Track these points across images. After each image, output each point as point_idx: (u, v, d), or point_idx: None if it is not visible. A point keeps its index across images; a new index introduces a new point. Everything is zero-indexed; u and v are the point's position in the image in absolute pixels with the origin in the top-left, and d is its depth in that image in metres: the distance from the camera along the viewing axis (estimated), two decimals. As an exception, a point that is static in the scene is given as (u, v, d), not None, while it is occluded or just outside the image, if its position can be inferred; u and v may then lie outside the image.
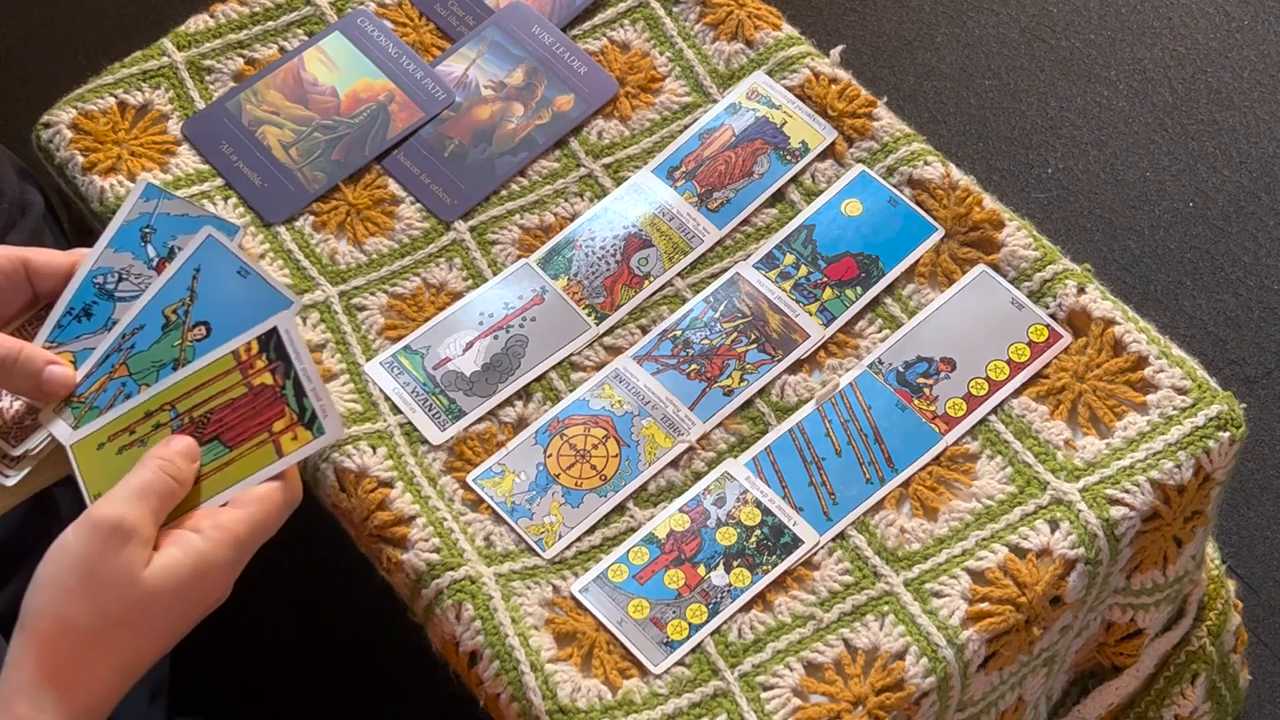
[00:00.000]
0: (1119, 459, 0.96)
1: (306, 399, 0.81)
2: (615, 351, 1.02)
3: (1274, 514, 1.49)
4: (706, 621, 0.91)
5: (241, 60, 1.15)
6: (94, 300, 0.86)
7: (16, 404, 0.87)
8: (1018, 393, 0.99)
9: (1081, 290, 1.01)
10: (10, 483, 0.85)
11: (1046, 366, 0.99)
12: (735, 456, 0.98)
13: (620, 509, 0.96)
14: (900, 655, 0.90)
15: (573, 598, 0.93)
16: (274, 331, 0.81)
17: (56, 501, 0.96)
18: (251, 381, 0.80)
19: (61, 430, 0.84)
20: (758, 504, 0.95)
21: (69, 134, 1.10)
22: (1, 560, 0.94)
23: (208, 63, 1.14)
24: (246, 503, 0.79)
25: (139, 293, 0.86)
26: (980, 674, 0.92)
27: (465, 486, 0.97)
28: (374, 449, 0.97)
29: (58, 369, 0.84)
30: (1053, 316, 1.01)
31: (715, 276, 1.05)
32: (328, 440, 0.81)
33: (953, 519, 0.95)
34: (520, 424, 0.99)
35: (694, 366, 1.01)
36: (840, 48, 1.14)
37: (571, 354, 1.02)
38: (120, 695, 0.75)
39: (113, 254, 0.88)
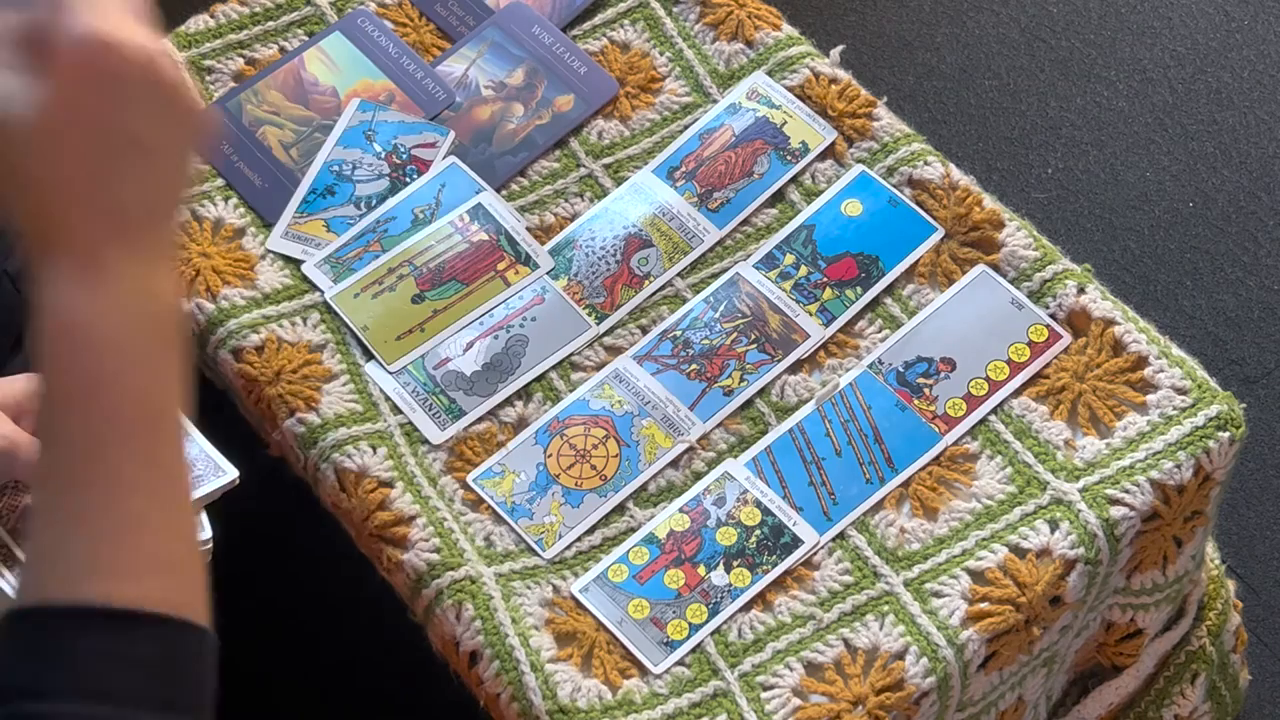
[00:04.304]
0: (1119, 459, 0.95)
1: (520, 245, 1.02)
2: (615, 351, 1.02)
3: (1274, 514, 1.48)
4: (706, 621, 0.91)
5: (241, 60, 1.14)
6: (334, 183, 1.07)
7: None
8: (1018, 393, 0.99)
9: (1081, 290, 1.01)
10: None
11: (1046, 366, 0.99)
12: (735, 456, 0.97)
13: (620, 509, 0.96)
14: (900, 655, 0.90)
15: (573, 598, 0.92)
16: (479, 205, 1.02)
17: None
18: (471, 239, 1.01)
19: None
20: (758, 504, 0.95)
21: (69, 134, 1.10)
22: None
23: (208, 63, 1.14)
24: None
25: (374, 177, 1.08)
26: (980, 674, 0.92)
27: (465, 486, 0.97)
28: (374, 449, 0.97)
29: None
30: (1053, 316, 1.01)
31: (715, 276, 1.05)
32: (544, 270, 1.01)
33: (953, 519, 0.95)
34: (520, 424, 0.99)
35: (694, 366, 1.01)
36: (840, 48, 1.14)
37: (571, 354, 1.02)
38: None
39: (342, 150, 1.09)
